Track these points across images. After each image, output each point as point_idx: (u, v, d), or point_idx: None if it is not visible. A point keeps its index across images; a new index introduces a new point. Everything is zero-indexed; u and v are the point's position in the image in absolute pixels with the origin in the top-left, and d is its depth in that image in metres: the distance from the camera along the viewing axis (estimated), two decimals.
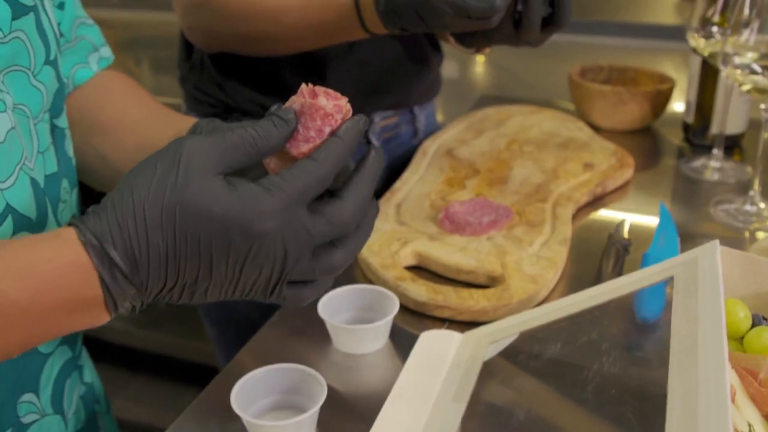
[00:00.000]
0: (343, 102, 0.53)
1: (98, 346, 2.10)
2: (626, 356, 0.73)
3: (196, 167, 0.47)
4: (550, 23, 0.90)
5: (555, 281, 0.86)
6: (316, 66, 1.09)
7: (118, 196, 0.47)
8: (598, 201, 1.08)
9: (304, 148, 0.52)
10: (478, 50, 1.00)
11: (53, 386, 0.70)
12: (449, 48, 1.25)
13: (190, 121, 0.68)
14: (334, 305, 0.78)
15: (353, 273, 0.90)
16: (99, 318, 0.49)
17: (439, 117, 1.38)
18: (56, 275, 0.46)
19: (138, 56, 2.23)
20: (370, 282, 0.87)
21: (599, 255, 0.93)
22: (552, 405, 0.69)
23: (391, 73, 1.16)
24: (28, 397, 0.66)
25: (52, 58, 0.65)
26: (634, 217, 1.02)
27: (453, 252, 0.88)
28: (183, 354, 2.07)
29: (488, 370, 0.71)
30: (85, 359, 0.80)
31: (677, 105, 1.40)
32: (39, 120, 0.63)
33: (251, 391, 0.68)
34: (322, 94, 0.53)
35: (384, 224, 0.95)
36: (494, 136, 1.22)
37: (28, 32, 0.61)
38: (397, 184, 1.06)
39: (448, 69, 1.32)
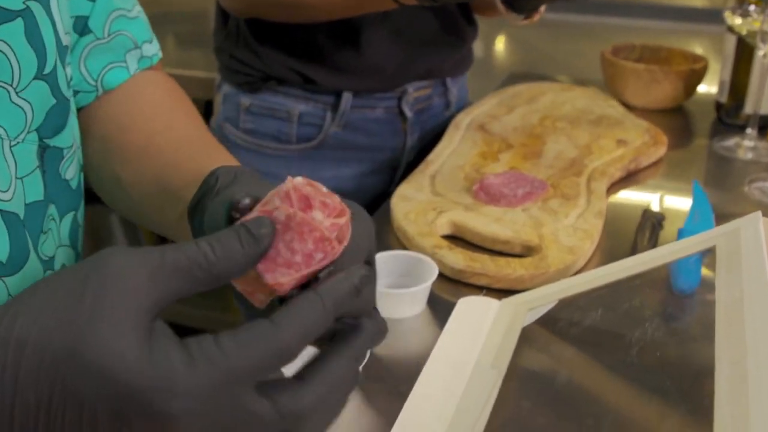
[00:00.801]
0: (343, 220, 0.41)
1: None
2: (664, 326, 0.73)
3: (109, 307, 0.35)
4: None
5: (591, 252, 0.86)
6: (351, 33, 1.10)
7: None
8: (631, 177, 1.08)
9: (284, 278, 0.39)
10: (529, 15, 0.99)
11: None
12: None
13: (218, 157, 0.60)
14: None
15: (389, 241, 0.91)
16: None
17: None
18: None
19: (166, 31, 2.24)
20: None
21: (633, 230, 0.93)
22: (591, 372, 0.70)
23: (426, 43, 1.16)
24: None
25: (47, 71, 0.56)
26: (667, 194, 1.02)
27: (489, 222, 0.88)
28: (212, 327, 2.09)
29: (526, 337, 0.71)
30: None
31: (707, 87, 1.40)
32: (18, 141, 0.55)
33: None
34: (318, 206, 0.40)
35: (419, 194, 0.96)
36: (526, 112, 1.22)
37: (12, 42, 0.52)
38: (431, 156, 1.07)
39: (475, 47, 1.32)
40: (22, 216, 0.55)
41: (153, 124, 0.66)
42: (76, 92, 0.65)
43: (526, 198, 0.93)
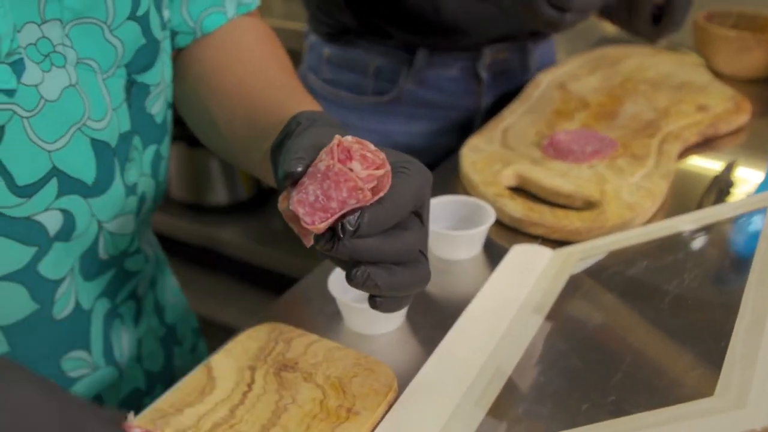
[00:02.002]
0: (381, 172, 0.45)
1: (214, 258, 2.21)
2: (712, 286, 0.73)
3: None
4: (663, 19, 1.02)
5: (652, 211, 0.86)
6: None
7: None
8: (708, 143, 1.06)
9: (320, 221, 0.44)
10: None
11: (103, 340, 0.70)
12: None
13: (304, 102, 0.64)
14: (434, 214, 0.82)
15: (455, 187, 0.94)
16: None
17: (559, 56, 1.37)
18: None
19: None
20: None
21: (701, 195, 0.93)
22: (628, 321, 0.71)
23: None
24: (77, 354, 0.67)
25: (140, 13, 0.62)
26: (743, 162, 1.00)
27: (554, 176, 0.90)
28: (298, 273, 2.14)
29: (573, 285, 0.73)
30: (149, 301, 0.78)
31: None
32: (109, 75, 0.61)
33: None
34: (358, 158, 0.45)
35: (489, 146, 0.98)
36: (609, 74, 1.22)
37: None
38: (505, 112, 1.08)
39: None
40: (113, 144, 0.61)
41: (246, 67, 0.69)
42: (175, 33, 0.70)
43: (594, 155, 0.93)
